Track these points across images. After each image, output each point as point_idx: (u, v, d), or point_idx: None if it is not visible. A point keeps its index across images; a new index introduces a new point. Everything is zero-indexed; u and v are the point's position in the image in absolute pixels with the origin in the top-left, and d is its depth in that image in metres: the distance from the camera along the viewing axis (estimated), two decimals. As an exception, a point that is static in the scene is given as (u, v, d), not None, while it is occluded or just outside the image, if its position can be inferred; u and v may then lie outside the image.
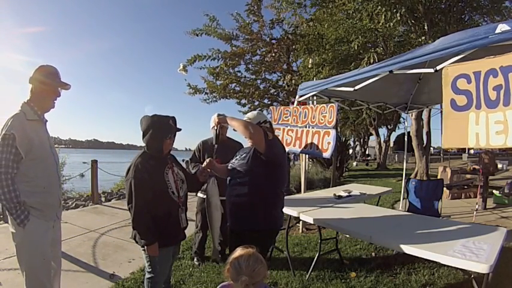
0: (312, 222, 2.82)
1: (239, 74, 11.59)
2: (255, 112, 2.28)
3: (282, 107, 4.76)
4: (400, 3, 6.68)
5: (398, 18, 6.86)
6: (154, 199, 1.84)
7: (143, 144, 1.98)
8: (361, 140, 33.25)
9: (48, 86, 1.89)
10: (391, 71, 3.02)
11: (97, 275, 2.97)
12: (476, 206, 5.09)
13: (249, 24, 10.62)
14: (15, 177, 1.74)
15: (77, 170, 9.40)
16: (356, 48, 7.25)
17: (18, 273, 2.57)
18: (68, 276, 2.78)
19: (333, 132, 3.75)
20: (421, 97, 5.22)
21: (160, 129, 1.95)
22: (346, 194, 3.69)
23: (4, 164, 1.69)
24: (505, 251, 2.06)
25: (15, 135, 1.72)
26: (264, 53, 11.33)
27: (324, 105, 3.96)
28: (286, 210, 2.80)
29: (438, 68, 2.57)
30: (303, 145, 4.13)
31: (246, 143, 2.19)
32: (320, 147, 3.85)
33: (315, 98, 4.57)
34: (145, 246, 1.85)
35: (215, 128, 2.34)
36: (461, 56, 2.39)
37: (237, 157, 2.21)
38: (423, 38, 7.24)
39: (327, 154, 3.79)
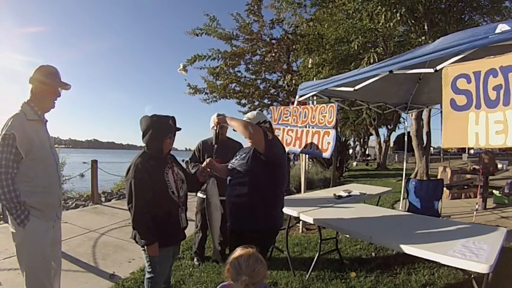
0: (312, 222, 2.82)
1: (239, 74, 11.60)
2: (254, 112, 2.28)
3: (282, 107, 4.76)
4: (400, 3, 6.68)
5: (398, 18, 6.86)
6: (154, 199, 1.84)
7: (143, 144, 1.98)
8: (361, 140, 33.25)
9: (48, 86, 1.90)
10: (391, 71, 3.02)
11: (97, 275, 2.97)
12: (476, 206, 5.09)
13: (249, 24, 10.62)
14: (15, 177, 1.74)
15: (77, 170, 9.40)
16: (356, 48, 7.25)
17: (18, 273, 2.57)
18: (68, 276, 2.78)
19: (332, 132, 3.75)
20: (421, 97, 5.22)
21: (160, 129, 1.95)
22: (346, 194, 3.69)
23: (4, 164, 1.69)
24: (505, 251, 2.07)
25: (15, 135, 1.72)
26: (264, 53, 11.33)
27: (324, 105, 3.96)
28: (286, 210, 2.80)
29: (438, 68, 2.57)
30: (303, 145, 4.13)
31: (246, 143, 2.19)
32: (320, 147, 3.85)
33: (315, 98, 4.57)
34: (145, 246, 1.85)
35: (215, 128, 2.34)
36: (461, 56, 2.39)
37: (237, 157, 2.21)
38: (423, 38, 7.24)
39: (326, 154, 3.79)
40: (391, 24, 6.99)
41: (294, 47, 10.39)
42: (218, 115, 2.30)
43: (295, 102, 4.61)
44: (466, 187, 7.05)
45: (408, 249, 1.95)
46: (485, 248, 1.83)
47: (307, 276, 2.84)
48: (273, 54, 11.21)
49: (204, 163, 2.19)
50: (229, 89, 11.74)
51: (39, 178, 1.84)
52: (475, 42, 2.27)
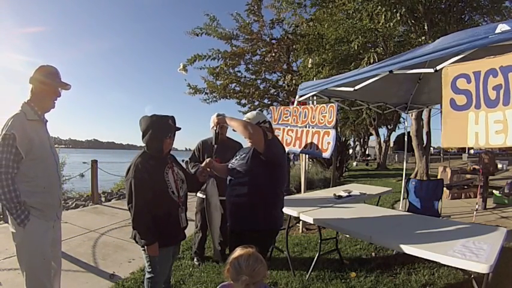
0: (312, 222, 2.82)
1: (239, 74, 11.60)
2: (254, 112, 2.28)
3: (282, 107, 4.76)
4: (400, 3, 6.68)
5: (398, 18, 6.86)
6: (154, 199, 1.84)
7: (143, 144, 1.98)
8: (361, 140, 33.25)
9: (48, 86, 1.90)
10: (391, 71, 3.02)
11: (97, 275, 2.97)
12: (476, 206, 5.09)
13: (249, 24, 10.62)
14: (15, 177, 1.74)
15: (77, 170, 9.40)
16: (356, 48, 7.25)
17: (18, 273, 2.57)
18: (68, 276, 2.78)
19: (332, 132, 3.75)
20: (421, 97, 5.23)
21: (160, 128, 1.95)
22: (346, 194, 3.69)
23: (4, 164, 1.69)
24: (505, 251, 2.06)
25: (15, 135, 1.72)
26: (264, 53, 11.33)
27: (324, 105, 3.96)
28: (286, 210, 2.80)
29: (438, 68, 2.57)
30: (303, 145, 4.13)
31: (246, 143, 2.19)
32: (320, 147, 3.85)
33: (315, 98, 4.57)
34: (145, 246, 1.85)
35: (214, 128, 2.34)
36: (461, 56, 2.39)
37: (237, 157, 2.21)
38: (423, 38, 7.24)
39: (326, 154, 3.79)
40: (391, 24, 6.99)
41: (294, 47, 10.39)
42: (218, 115, 2.30)
43: (295, 102, 4.61)
44: (466, 187, 7.06)
45: (408, 249, 1.95)
46: (485, 248, 1.83)
47: (307, 276, 2.84)
48: (273, 54, 11.22)
49: (204, 163, 2.19)
50: (229, 89, 11.75)
51: (39, 178, 1.84)
52: (475, 42, 2.27)
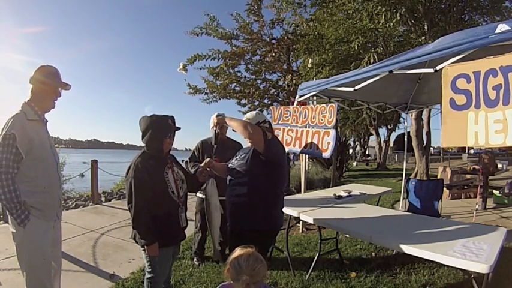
0: (312, 222, 2.82)
1: (239, 74, 11.61)
2: (254, 112, 2.28)
3: (282, 107, 4.76)
4: (400, 3, 6.68)
5: (398, 18, 6.86)
6: (154, 199, 1.84)
7: (143, 144, 1.98)
8: (361, 140, 33.25)
9: (48, 86, 1.90)
10: (391, 71, 3.02)
11: (97, 275, 2.97)
12: (476, 206, 5.09)
13: (249, 24, 10.63)
14: (15, 177, 1.74)
15: (77, 170, 9.40)
16: (356, 48, 7.25)
17: (18, 273, 2.57)
18: (68, 276, 2.78)
19: (332, 132, 3.75)
20: (421, 97, 5.23)
21: (160, 128, 1.95)
22: (346, 194, 3.69)
23: (4, 164, 1.70)
24: (505, 251, 2.06)
25: (15, 135, 1.72)
26: (264, 53, 11.34)
27: (324, 105, 3.96)
28: (286, 210, 2.80)
29: (438, 68, 2.57)
30: (303, 145, 4.13)
31: (246, 143, 2.19)
32: (320, 147, 3.85)
33: (315, 98, 4.57)
34: (145, 246, 1.85)
35: (214, 128, 2.34)
36: (461, 56, 2.39)
37: (237, 157, 2.21)
38: (423, 38, 7.24)
39: (326, 154, 3.79)
40: (391, 24, 6.99)
41: (294, 47, 10.39)
42: (218, 115, 2.30)
43: (295, 102, 4.61)
44: (466, 187, 7.06)
45: (408, 249, 1.95)
46: (485, 248, 1.83)
47: (307, 276, 2.84)
48: (273, 54, 11.22)
49: (203, 163, 2.18)
50: (229, 89, 11.75)
51: (39, 178, 1.84)
52: (475, 42, 2.27)
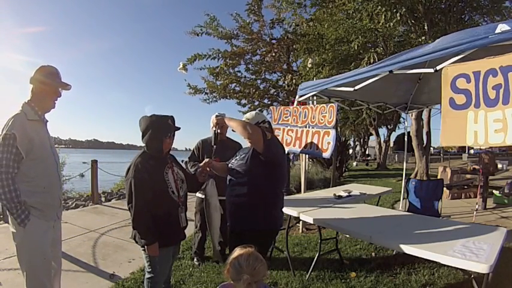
0: (312, 222, 2.82)
1: (239, 74, 11.61)
2: (253, 112, 2.28)
3: (282, 107, 4.76)
4: (400, 3, 6.68)
5: (398, 18, 6.86)
6: (154, 199, 1.84)
7: (143, 144, 1.98)
8: (361, 140, 33.24)
9: (48, 86, 1.90)
10: (391, 71, 3.02)
11: (97, 275, 2.97)
12: (476, 206, 5.09)
13: (249, 24, 10.63)
14: (15, 177, 1.74)
15: (77, 170, 9.40)
16: (356, 48, 7.25)
17: (18, 273, 2.57)
18: (68, 276, 2.78)
19: (332, 132, 3.75)
20: (421, 97, 5.22)
21: (160, 128, 1.95)
22: (346, 194, 3.69)
23: (5, 164, 1.70)
24: (505, 251, 2.07)
25: (15, 135, 1.72)
26: (264, 52, 11.34)
27: (324, 105, 3.96)
28: (286, 210, 2.80)
29: (438, 68, 2.57)
30: (303, 145, 4.13)
31: (246, 144, 2.19)
32: (320, 147, 3.85)
33: (315, 98, 4.57)
34: (145, 246, 1.85)
35: (214, 128, 2.34)
36: (461, 56, 2.39)
37: (237, 157, 2.21)
38: (423, 38, 7.23)
39: (326, 154, 3.79)
40: (391, 24, 6.99)
41: (294, 47, 10.39)
42: (218, 115, 2.30)
43: (295, 102, 4.61)
44: (466, 187, 7.06)
45: (408, 249, 1.95)
46: (485, 248, 1.83)
47: (307, 276, 2.84)
48: (273, 54, 11.22)
49: (203, 163, 2.18)
50: (229, 89, 11.75)
51: (39, 178, 1.84)
52: (475, 42, 2.27)
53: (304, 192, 4.73)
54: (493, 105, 2.04)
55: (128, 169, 1.91)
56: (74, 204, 6.59)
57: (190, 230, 2.70)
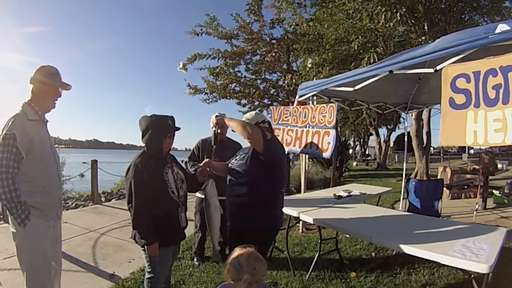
0: (312, 222, 2.82)
1: (239, 74, 11.61)
2: (253, 112, 2.27)
3: (282, 107, 4.76)
4: (400, 3, 6.68)
5: (398, 18, 6.86)
6: (154, 199, 1.84)
7: (143, 144, 1.98)
8: (361, 140, 33.24)
9: (48, 86, 1.90)
10: (391, 71, 3.02)
11: (97, 275, 2.97)
12: (476, 206, 5.09)
13: (249, 24, 10.63)
14: (15, 177, 1.74)
15: (77, 170, 9.40)
16: (356, 48, 7.25)
17: (18, 273, 2.57)
18: (68, 276, 2.78)
19: (332, 132, 3.75)
20: (421, 97, 5.22)
21: (160, 128, 1.95)
22: (346, 194, 3.69)
23: (5, 164, 1.70)
24: (505, 251, 2.07)
25: (16, 135, 1.72)
26: (264, 52, 11.34)
27: (324, 105, 3.96)
28: (286, 210, 2.80)
29: (438, 68, 2.57)
30: (303, 145, 4.13)
31: (246, 144, 2.19)
32: (320, 147, 3.85)
33: (315, 98, 4.57)
34: (145, 246, 1.85)
35: (214, 129, 2.34)
36: (461, 56, 2.39)
37: (237, 157, 2.21)
38: (423, 38, 7.24)
39: (326, 154, 3.79)
40: (391, 24, 6.99)
41: (294, 47, 10.39)
42: (218, 115, 2.29)
43: (295, 102, 4.61)
44: (466, 187, 7.06)
45: (408, 249, 1.96)
46: (485, 248, 1.83)
47: (307, 276, 2.84)
48: (273, 54, 11.22)
49: (202, 163, 2.18)
50: (229, 89, 11.75)
51: (39, 178, 1.84)
52: (475, 42, 2.28)
53: (304, 192, 4.73)
54: (492, 104, 2.04)
55: (128, 169, 1.91)
56: (74, 204, 6.59)
57: (190, 230, 2.70)
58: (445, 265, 2.29)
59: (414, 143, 8.97)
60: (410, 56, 2.84)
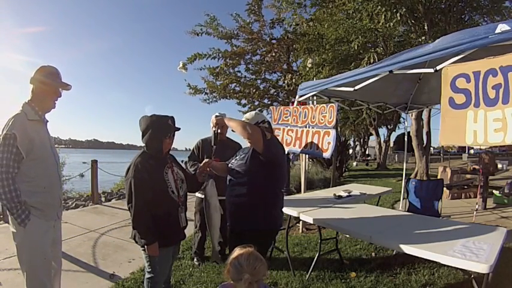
0: (312, 222, 2.82)
1: (239, 74, 11.60)
2: (253, 112, 2.27)
3: (282, 107, 4.76)
4: (400, 3, 6.68)
5: (398, 18, 6.86)
6: (154, 199, 1.84)
7: (143, 144, 1.98)
8: (361, 140, 33.23)
9: (48, 86, 1.90)
10: (391, 71, 3.02)
11: (97, 275, 2.97)
12: (476, 206, 5.09)
13: (249, 24, 10.63)
14: (16, 177, 1.75)
15: (77, 170, 9.40)
16: (356, 48, 7.25)
17: (18, 273, 2.57)
18: (68, 276, 2.78)
19: (333, 132, 3.75)
20: (421, 97, 5.23)
21: (159, 128, 1.95)
22: (346, 194, 3.69)
23: (5, 164, 1.70)
24: (505, 251, 2.07)
25: (16, 135, 1.72)
26: (264, 52, 11.33)
27: (324, 105, 3.96)
28: (286, 210, 2.80)
29: (438, 68, 2.57)
30: (303, 145, 4.13)
31: (246, 144, 2.19)
32: (320, 147, 3.85)
33: (315, 98, 4.57)
34: (145, 246, 1.85)
35: (214, 129, 2.34)
36: (461, 56, 2.39)
37: (236, 157, 2.21)
38: (423, 38, 7.24)
39: (327, 154, 3.79)
40: (391, 24, 6.99)
41: (294, 47, 10.39)
42: (218, 115, 2.29)
43: (295, 102, 4.61)
44: (466, 187, 7.06)
45: (408, 249, 1.96)
46: (485, 248, 1.83)
47: (307, 276, 2.84)
48: (273, 54, 11.21)
49: (202, 163, 2.18)
50: (229, 89, 11.74)
51: (39, 178, 1.84)
52: (475, 42, 2.28)
53: (304, 192, 4.73)
54: (492, 104, 2.04)
55: (128, 169, 1.91)
56: (74, 204, 6.59)
57: (190, 230, 2.70)
58: (445, 265, 2.29)
59: (414, 143, 8.97)
60: (410, 56, 2.84)
